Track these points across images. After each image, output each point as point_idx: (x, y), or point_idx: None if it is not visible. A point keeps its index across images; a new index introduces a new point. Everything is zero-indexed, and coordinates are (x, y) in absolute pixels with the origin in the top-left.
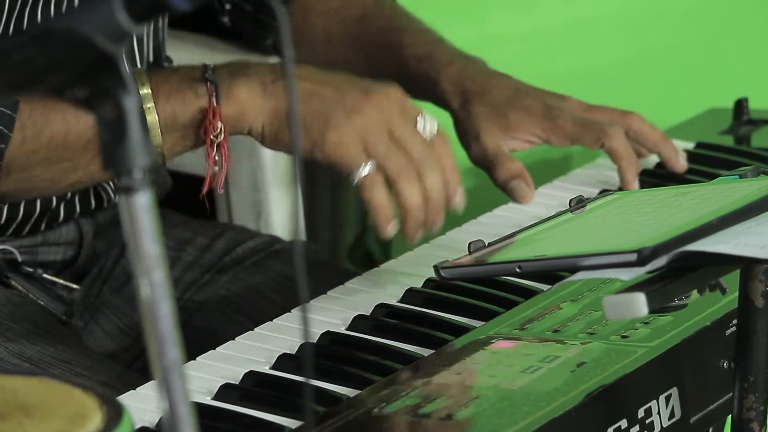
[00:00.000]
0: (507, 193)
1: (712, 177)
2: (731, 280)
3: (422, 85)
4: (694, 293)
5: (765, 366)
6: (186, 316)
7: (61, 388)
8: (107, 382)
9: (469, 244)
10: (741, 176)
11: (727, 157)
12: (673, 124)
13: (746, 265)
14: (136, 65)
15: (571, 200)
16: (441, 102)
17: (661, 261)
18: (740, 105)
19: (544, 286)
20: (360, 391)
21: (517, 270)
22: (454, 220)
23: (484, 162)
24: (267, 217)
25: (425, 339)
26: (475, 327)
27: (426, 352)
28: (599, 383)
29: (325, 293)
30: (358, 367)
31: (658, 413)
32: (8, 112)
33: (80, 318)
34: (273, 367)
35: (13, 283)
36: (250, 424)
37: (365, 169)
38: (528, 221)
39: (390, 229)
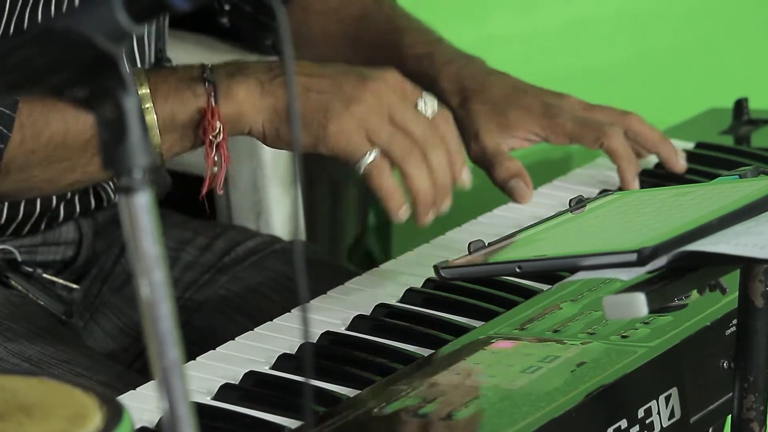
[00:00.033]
0: (506, 192)
1: (712, 177)
2: (731, 280)
3: (422, 84)
4: (694, 293)
5: (765, 366)
6: (186, 316)
7: (61, 388)
8: (107, 382)
9: (469, 244)
10: (741, 176)
11: (726, 157)
12: (673, 124)
13: (746, 265)
14: (141, 64)
15: (571, 200)
16: (440, 101)
17: (661, 261)
18: (740, 105)
19: (544, 286)
20: (360, 391)
21: (517, 270)
22: (454, 220)
23: (483, 161)
24: (267, 217)
25: (425, 339)
26: (475, 327)
27: (426, 352)
28: (599, 383)
29: (325, 293)
30: (358, 367)
31: (658, 413)
32: (7, 112)
33: (80, 318)
34: (273, 367)
35: (13, 282)
36: (250, 424)
37: (370, 157)
38: (528, 221)
39: (402, 213)
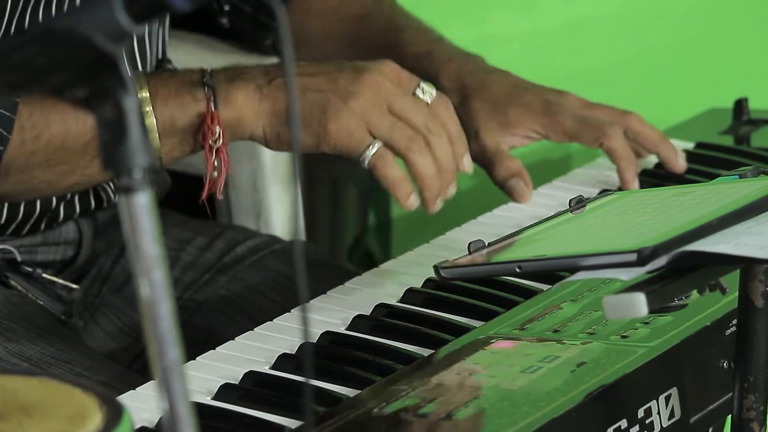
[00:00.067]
0: (505, 191)
1: (712, 177)
2: (731, 280)
3: None
4: (694, 293)
5: (765, 366)
6: (186, 316)
7: (61, 388)
8: (107, 382)
9: (469, 244)
10: (741, 176)
11: (726, 157)
12: (673, 124)
13: (746, 265)
14: (143, 67)
15: (571, 200)
16: None
17: (661, 261)
18: (740, 105)
19: (544, 286)
20: (360, 391)
21: (517, 270)
22: (454, 220)
23: (483, 160)
24: (267, 217)
25: (425, 339)
26: (475, 327)
27: (426, 352)
28: (599, 383)
29: (325, 293)
30: (358, 367)
31: (658, 413)
32: (7, 114)
33: (80, 318)
34: (273, 367)
35: (13, 282)
36: (250, 424)
37: (373, 150)
38: (528, 221)
39: (411, 201)
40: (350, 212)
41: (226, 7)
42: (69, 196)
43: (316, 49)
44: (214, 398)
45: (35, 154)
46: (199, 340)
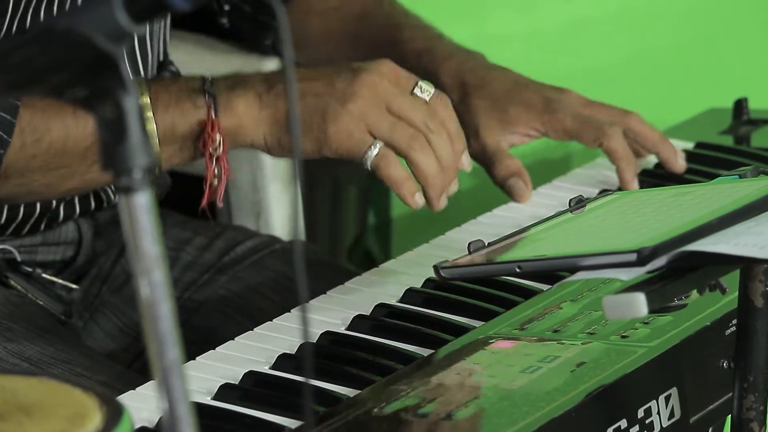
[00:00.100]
0: (505, 190)
1: (711, 177)
2: (731, 280)
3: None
4: (694, 293)
5: (765, 366)
6: (185, 316)
7: (60, 388)
8: (107, 382)
9: (469, 244)
10: (741, 176)
11: (726, 157)
12: (673, 124)
13: (746, 265)
14: (146, 67)
15: (570, 200)
16: None
17: (660, 261)
18: (740, 105)
19: (544, 286)
20: (360, 391)
21: (517, 270)
22: (454, 220)
23: (482, 158)
24: (267, 218)
25: (425, 339)
26: (475, 327)
27: (426, 352)
28: (599, 383)
29: (325, 293)
30: (357, 367)
31: (658, 413)
32: (8, 117)
33: (79, 318)
34: (273, 367)
35: (13, 282)
36: (250, 424)
37: (374, 151)
38: (528, 221)
39: (417, 200)
40: (350, 212)
41: (226, 7)
42: (69, 196)
43: (317, 49)
44: (214, 398)
45: (35, 158)
46: (199, 340)
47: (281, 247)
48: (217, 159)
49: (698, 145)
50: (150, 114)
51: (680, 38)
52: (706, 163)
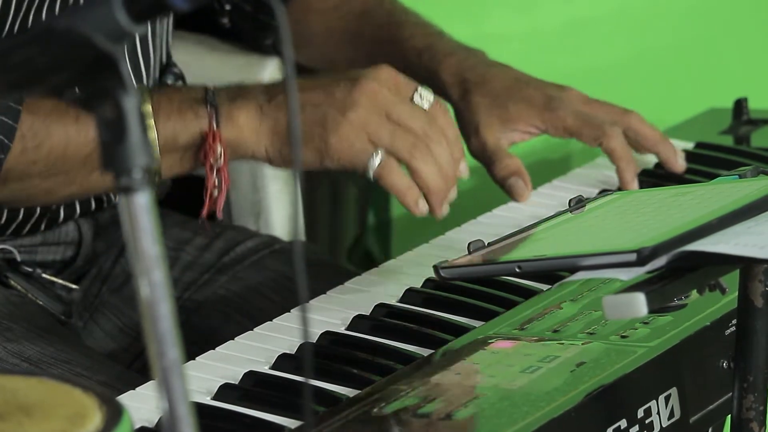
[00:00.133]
0: (505, 189)
1: (711, 177)
2: (731, 280)
3: (423, 77)
4: (694, 293)
5: (764, 366)
6: (185, 316)
7: (60, 388)
8: (107, 382)
9: (469, 244)
10: (740, 176)
11: (726, 157)
12: (673, 124)
13: (746, 265)
14: (148, 69)
15: (570, 200)
16: (441, 94)
17: (660, 261)
18: (740, 105)
19: (544, 286)
20: (360, 391)
21: (517, 270)
22: (454, 220)
23: (482, 157)
24: (266, 218)
25: (425, 339)
26: (474, 327)
27: (426, 352)
28: (599, 383)
29: (325, 293)
30: (357, 367)
31: (658, 413)
32: (9, 121)
33: (79, 318)
34: (272, 367)
35: (12, 282)
36: (250, 424)
37: (376, 160)
38: (527, 221)
39: (422, 207)
40: (350, 212)
41: (228, 7)
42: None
43: (317, 48)
44: (214, 398)
45: (35, 164)
46: (198, 340)
47: (281, 247)
48: (218, 170)
49: (698, 145)
50: (151, 122)
51: (680, 38)
52: (706, 163)
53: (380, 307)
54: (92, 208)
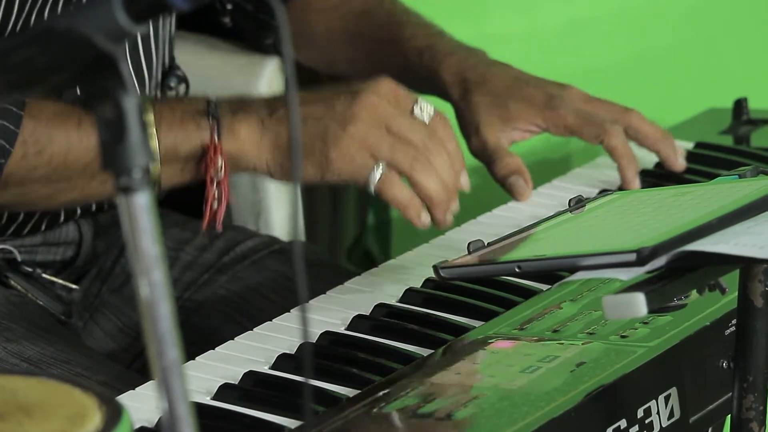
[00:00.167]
0: (505, 188)
1: (711, 177)
2: (731, 280)
3: (423, 77)
4: (694, 293)
5: (764, 366)
6: (185, 316)
7: (60, 388)
8: (107, 382)
9: (469, 244)
10: (740, 176)
11: (726, 157)
12: (673, 123)
13: (746, 265)
14: (150, 70)
15: (570, 200)
16: (442, 93)
17: (660, 261)
18: (740, 105)
19: (544, 286)
20: (359, 391)
21: (517, 270)
22: (453, 220)
23: (483, 156)
24: (266, 218)
25: (425, 339)
26: (474, 327)
27: (426, 352)
28: (599, 383)
29: (325, 293)
30: (357, 367)
31: (658, 413)
32: (11, 126)
33: (79, 318)
34: (272, 367)
35: (13, 282)
36: (250, 424)
37: (377, 174)
38: (527, 221)
39: (424, 220)
40: (350, 212)
41: (229, 6)
42: None
43: (318, 48)
44: (214, 398)
45: (36, 169)
46: (198, 340)
47: (281, 247)
48: (218, 182)
49: (698, 145)
50: (153, 131)
51: (680, 38)
52: (706, 163)
53: (380, 307)
54: (92, 208)
